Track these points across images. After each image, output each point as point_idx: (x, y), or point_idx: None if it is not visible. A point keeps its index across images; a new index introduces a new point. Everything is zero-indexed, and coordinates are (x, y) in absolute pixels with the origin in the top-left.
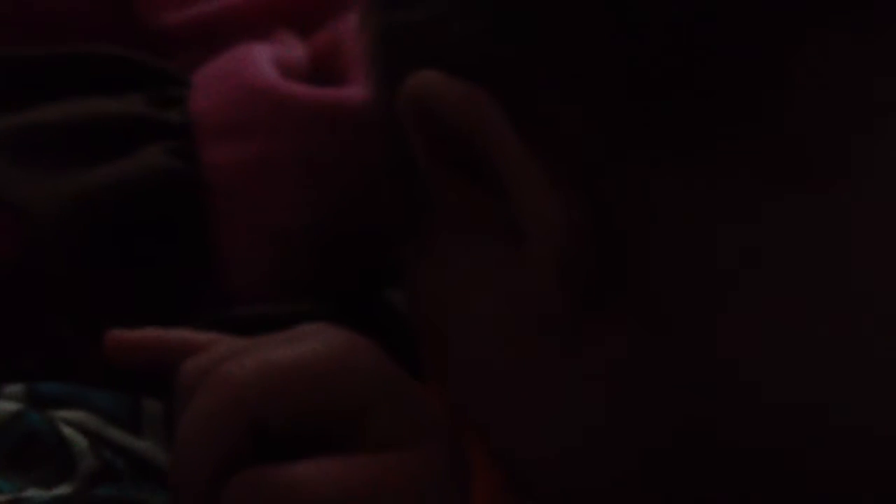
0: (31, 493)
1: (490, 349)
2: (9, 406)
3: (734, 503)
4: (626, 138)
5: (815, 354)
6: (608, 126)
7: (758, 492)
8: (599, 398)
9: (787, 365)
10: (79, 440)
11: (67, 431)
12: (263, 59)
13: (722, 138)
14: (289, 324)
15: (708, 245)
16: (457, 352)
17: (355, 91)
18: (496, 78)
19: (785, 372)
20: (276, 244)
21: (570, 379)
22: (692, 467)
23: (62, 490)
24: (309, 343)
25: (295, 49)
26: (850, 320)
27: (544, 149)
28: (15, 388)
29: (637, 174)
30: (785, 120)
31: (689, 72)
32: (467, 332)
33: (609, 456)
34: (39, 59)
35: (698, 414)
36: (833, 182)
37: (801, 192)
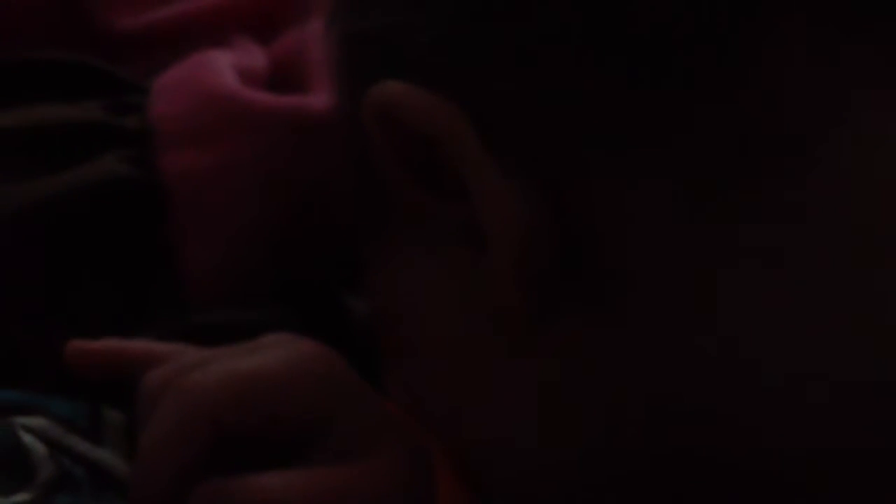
0: None
1: (448, 352)
2: None
3: (709, 498)
4: (587, 139)
5: (810, 337)
6: (567, 129)
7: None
8: (557, 399)
9: (778, 348)
10: (38, 447)
11: (26, 438)
12: (223, 66)
13: (689, 132)
14: (247, 331)
15: (675, 246)
16: (416, 355)
17: (315, 98)
18: (455, 86)
19: (776, 355)
20: (234, 251)
21: (529, 381)
22: (659, 470)
23: (20, 498)
24: (272, 353)
25: (255, 56)
26: (851, 302)
27: (503, 154)
28: None
29: (600, 174)
30: (753, 109)
31: (650, 71)
32: (425, 336)
33: (567, 457)
34: None
35: (665, 408)
36: (810, 169)
37: (776, 178)
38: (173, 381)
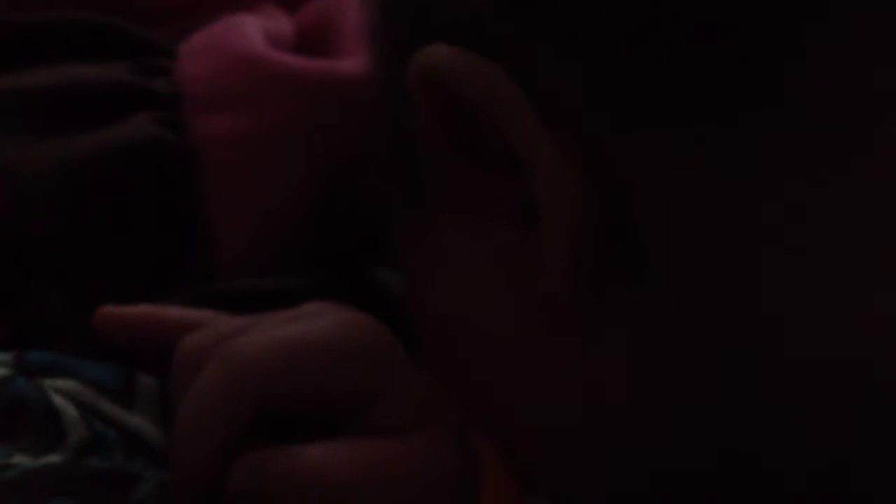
0: (19, 460)
1: (489, 332)
2: None
3: (753, 480)
4: (635, 114)
5: (852, 312)
6: (618, 104)
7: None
8: (601, 381)
9: (821, 327)
10: (69, 410)
11: (58, 400)
12: (252, 30)
13: (738, 113)
14: (278, 299)
15: (726, 224)
16: (457, 335)
17: (346, 64)
18: (501, 54)
19: (818, 334)
20: (265, 217)
21: (572, 362)
22: (695, 450)
23: (51, 459)
24: (318, 322)
25: (281, 22)
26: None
27: (555, 126)
28: (2, 355)
29: (648, 150)
30: (806, 92)
31: (703, 47)
32: (468, 316)
33: (610, 439)
34: (23, 25)
35: (715, 390)
36: (856, 151)
37: (823, 158)
38: (216, 348)
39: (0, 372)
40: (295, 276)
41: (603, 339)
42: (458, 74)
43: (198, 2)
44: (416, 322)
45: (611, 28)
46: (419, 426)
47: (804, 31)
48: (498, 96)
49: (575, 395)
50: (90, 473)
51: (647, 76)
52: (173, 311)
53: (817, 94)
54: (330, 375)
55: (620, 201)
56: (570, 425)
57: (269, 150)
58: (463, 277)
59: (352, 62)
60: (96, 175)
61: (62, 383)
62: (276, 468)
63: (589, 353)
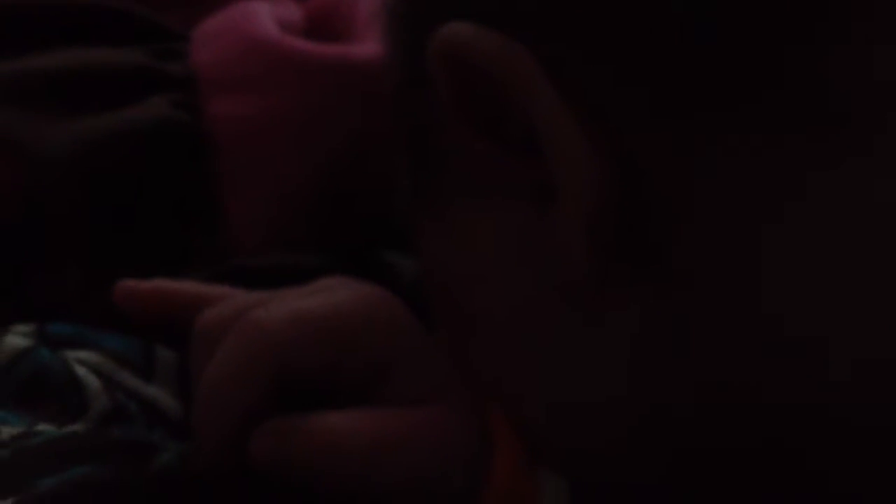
0: (44, 427)
1: (505, 315)
2: (19, 341)
3: (758, 467)
4: (659, 96)
5: (862, 304)
6: (639, 84)
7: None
8: (621, 361)
9: (833, 316)
10: (92, 380)
11: (80, 371)
12: (264, 15)
13: (758, 97)
14: (292, 276)
15: (745, 207)
16: (469, 317)
17: (358, 49)
18: (524, 33)
19: (832, 324)
20: (276, 199)
21: (592, 342)
22: (713, 428)
23: (74, 429)
24: (336, 294)
25: (290, 8)
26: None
27: (575, 105)
28: (24, 327)
29: (667, 133)
30: (823, 77)
31: (724, 29)
32: (485, 297)
33: (625, 420)
34: (40, 8)
35: (729, 372)
36: (871, 137)
37: (839, 146)
38: (236, 320)
39: (23, 342)
40: (305, 255)
41: (617, 319)
42: (480, 51)
43: None
44: (430, 303)
45: (633, 13)
46: (435, 396)
47: (810, 22)
48: (520, 74)
49: (587, 374)
50: (114, 442)
51: (666, 64)
52: (191, 287)
53: (822, 83)
54: (348, 346)
55: (638, 182)
56: (582, 403)
57: (282, 133)
58: (478, 258)
59: (363, 47)
60: (113, 155)
61: (84, 354)
62: (297, 435)
63: (603, 333)
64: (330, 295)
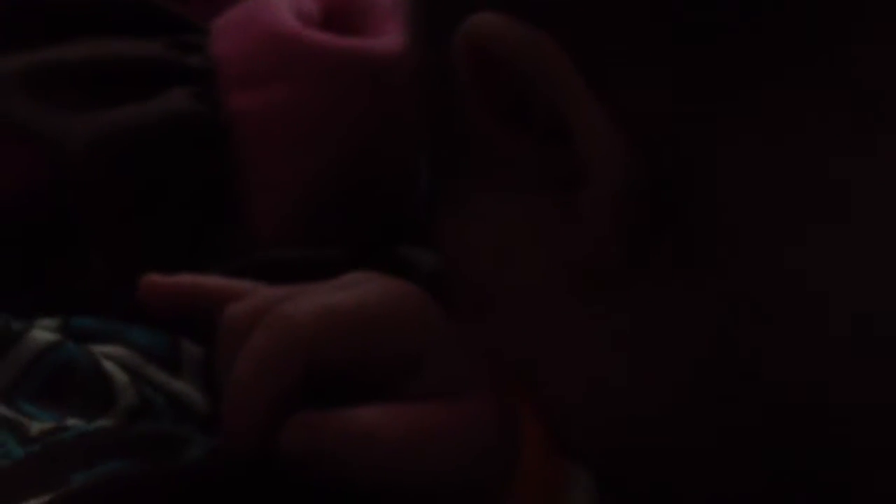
0: (73, 422)
1: (529, 302)
2: (46, 336)
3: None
4: (686, 80)
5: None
6: (666, 73)
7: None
8: (648, 344)
9: (856, 291)
10: (119, 374)
11: (108, 365)
12: (282, 7)
13: (785, 87)
14: (313, 269)
15: (772, 189)
16: (492, 306)
17: (376, 41)
18: (548, 22)
19: (855, 297)
20: (296, 192)
21: (619, 326)
22: (744, 409)
23: (102, 423)
24: (364, 289)
25: (306, 1)
26: None
27: (601, 92)
28: (49, 321)
29: (694, 118)
30: (852, 67)
31: (752, 19)
32: (510, 287)
33: (653, 403)
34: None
35: (760, 351)
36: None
37: (861, 132)
38: (262, 315)
39: (49, 337)
40: (326, 249)
41: (642, 304)
42: (506, 41)
43: None
44: (451, 294)
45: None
46: (464, 389)
47: (847, 11)
48: (546, 62)
49: (613, 358)
50: (143, 436)
51: (692, 47)
52: (214, 281)
53: (857, 69)
54: (377, 340)
55: (664, 166)
56: (609, 388)
57: (301, 126)
58: (502, 246)
59: (382, 39)
60: (136, 147)
61: (110, 349)
62: (328, 429)
63: (630, 316)
64: (358, 289)
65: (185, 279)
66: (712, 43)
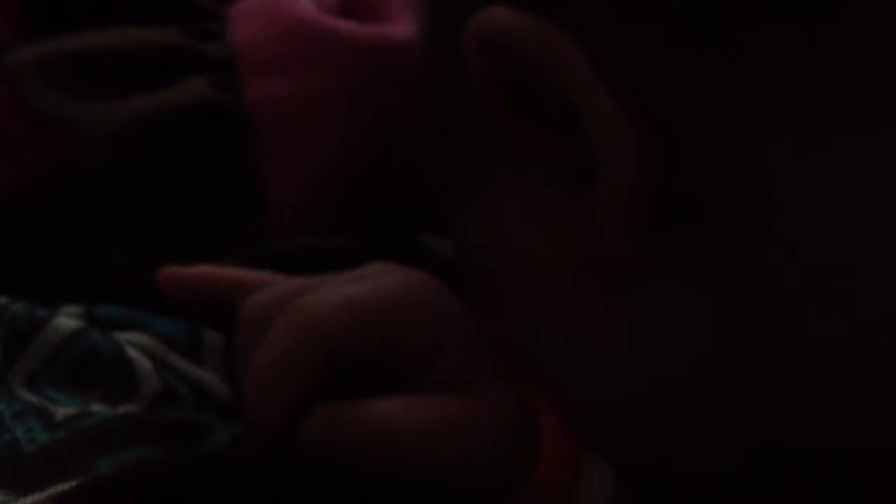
0: (98, 408)
1: (542, 295)
2: (71, 323)
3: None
4: (696, 77)
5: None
6: (684, 66)
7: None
8: (664, 338)
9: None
10: (143, 361)
11: (132, 352)
12: None
13: (796, 84)
14: (331, 259)
15: (786, 182)
16: (505, 298)
17: (394, 29)
18: (559, 15)
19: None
20: (314, 179)
21: (630, 318)
22: (761, 403)
23: (126, 409)
24: (385, 280)
25: None
26: None
27: (615, 85)
28: (72, 308)
29: (712, 109)
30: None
31: (760, 15)
32: (525, 278)
33: (669, 397)
34: None
35: (779, 345)
36: None
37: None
38: (285, 304)
39: (74, 323)
40: (344, 239)
41: (654, 297)
42: (518, 34)
43: None
44: (467, 285)
45: None
46: (483, 380)
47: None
48: (559, 55)
49: (630, 352)
50: (167, 423)
51: (706, 39)
52: (233, 272)
53: (868, 67)
54: (397, 331)
55: (679, 159)
56: (625, 381)
57: (319, 113)
58: (517, 239)
59: (399, 27)
60: (156, 135)
61: (133, 337)
62: (348, 420)
63: (646, 310)
64: (377, 281)
65: (203, 270)
66: (731, 35)
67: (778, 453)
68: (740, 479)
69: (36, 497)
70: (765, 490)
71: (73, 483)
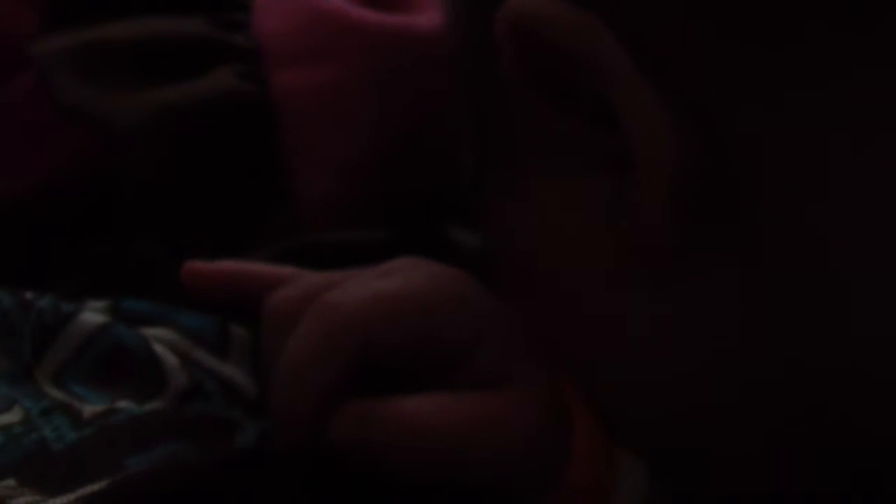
0: (125, 405)
1: (587, 285)
2: (97, 318)
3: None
4: (733, 65)
5: None
6: (719, 51)
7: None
8: (703, 329)
9: None
10: (170, 358)
11: (159, 348)
12: None
13: (843, 75)
14: (358, 252)
15: (823, 177)
16: (549, 289)
17: (421, 19)
18: (597, 3)
19: None
20: (341, 170)
21: (674, 311)
22: (799, 397)
23: (153, 405)
24: (415, 275)
25: None
26: None
27: (653, 74)
28: (98, 303)
29: (754, 98)
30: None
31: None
32: (556, 271)
33: (706, 390)
34: None
35: (817, 338)
36: None
37: None
38: (309, 301)
39: (100, 318)
40: (372, 232)
41: (698, 286)
42: (552, 21)
43: None
44: (496, 276)
45: None
46: (516, 374)
47: None
48: (594, 43)
49: (668, 343)
50: (195, 420)
51: (752, 32)
52: (258, 267)
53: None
54: (428, 326)
55: (720, 148)
56: (663, 373)
57: (347, 104)
58: (554, 230)
59: (426, 17)
60: (183, 126)
61: (160, 332)
62: (381, 417)
63: (685, 301)
64: (407, 276)
65: (226, 265)
66: (776, 29)
67: (809, 441)
68: (772, 470)
69: (66, 498)
70: (793, 480)
71: (104, 483)
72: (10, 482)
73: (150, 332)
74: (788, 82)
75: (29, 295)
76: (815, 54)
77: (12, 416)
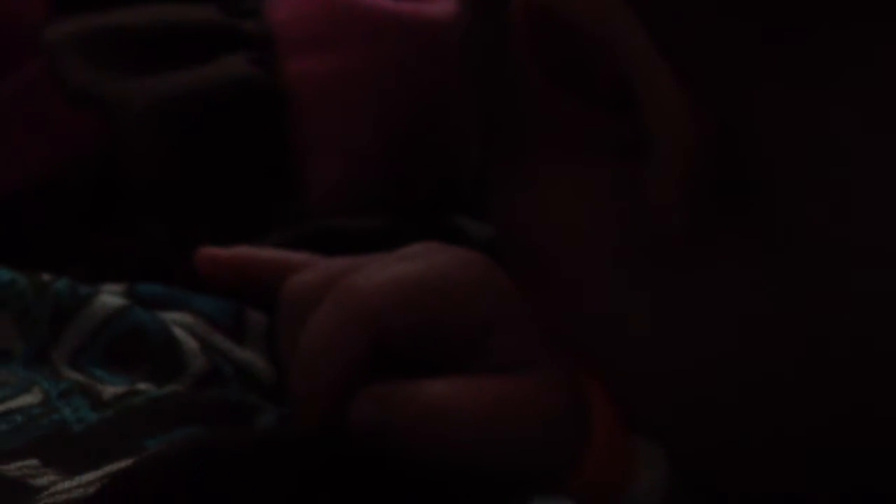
0: (145, 387)
1: (601, 272)
2: (115, 300)
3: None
4: (759, 46)
5: None
6: (736, 33)
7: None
8: (715, 317)
9: None
10: (189, 341)
11: (178, 332)
12: None
13: (861, 62)
14: (368, 240)
15: (842, 162)
16: (562, 277)
17: (432, 7)
18: None
19: None
20: (352, 157)
21: (686, 298)
22: (807, 393)
23: (172, 388)
24: (433, 259)
25: None
26: None
27: (673, 56)
28: (114, 286)
29: (769, 90)
30: None
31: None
32: (575, 256)
33: (721, 378)
34: None
35: (833, 326)
36: None
37: None
38: (326, 287)
39: (118, 301)
40: (382, 219)
41: (712, 273)
42: (570, 4)
43: None
44: (505, 266)
45: None
46: (534, 358)
47: None
48: (613, 23)
49: (680, 331)
50: (214, 403)
51: (768, 13)
52: (272, 253)
53: None
54: (447, 310)
55: (736, 134)
56: (677, 361)
57: (358, 91)
58: (565, 216)
59: (439, 5)
60: (194, 112)
61: (176, 316)
62: (401, 401)
63: (697, 288)
64: (425, 260)
65: (242, 251)
66: (795, 12)
67: (825, 432)
68: (784, 458)
69: (91, 475)
70: (797, 478)
71: (123, 464)
72: (33, 462)
73: (168, 315)
74: (807, 64)
75: (46, 277)
76: (836, 37)
77: (32, 398)
